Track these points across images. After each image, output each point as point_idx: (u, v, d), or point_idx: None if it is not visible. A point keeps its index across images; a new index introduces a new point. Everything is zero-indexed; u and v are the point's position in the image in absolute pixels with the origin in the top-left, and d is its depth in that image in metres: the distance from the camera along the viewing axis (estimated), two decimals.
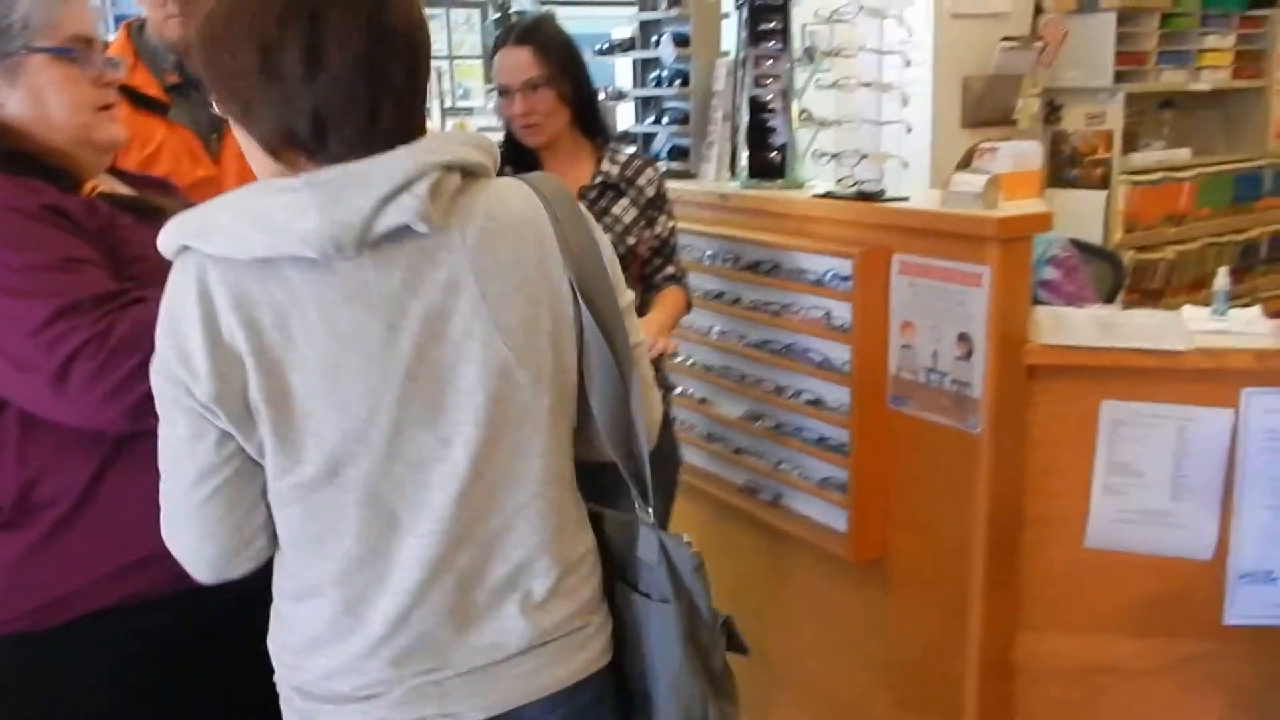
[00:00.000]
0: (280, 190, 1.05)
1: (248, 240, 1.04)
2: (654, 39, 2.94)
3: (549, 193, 1.19)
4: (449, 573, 1.14)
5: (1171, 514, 1.96)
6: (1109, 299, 2.89)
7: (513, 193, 1.16)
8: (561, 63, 2.11)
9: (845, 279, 2.14)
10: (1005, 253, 1.89)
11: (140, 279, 1.32)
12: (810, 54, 2.52)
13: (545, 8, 1.94)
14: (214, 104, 1.13)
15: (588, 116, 2.18)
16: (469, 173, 1.12)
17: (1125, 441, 1.95)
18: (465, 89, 7.77)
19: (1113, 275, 3.03)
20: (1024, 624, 2.07)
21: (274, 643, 1.22)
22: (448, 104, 7.20)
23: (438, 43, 7.95)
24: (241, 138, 1.14)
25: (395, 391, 1.08)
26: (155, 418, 1.28)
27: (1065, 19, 3.89)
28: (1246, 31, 4.23)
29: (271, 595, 1.22)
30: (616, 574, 1.29)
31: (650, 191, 2.18)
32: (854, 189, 2.19)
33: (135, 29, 2.47)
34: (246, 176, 2.58)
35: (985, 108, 3.95)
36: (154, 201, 1.46)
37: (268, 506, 1.14)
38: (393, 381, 1.08)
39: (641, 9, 2.97)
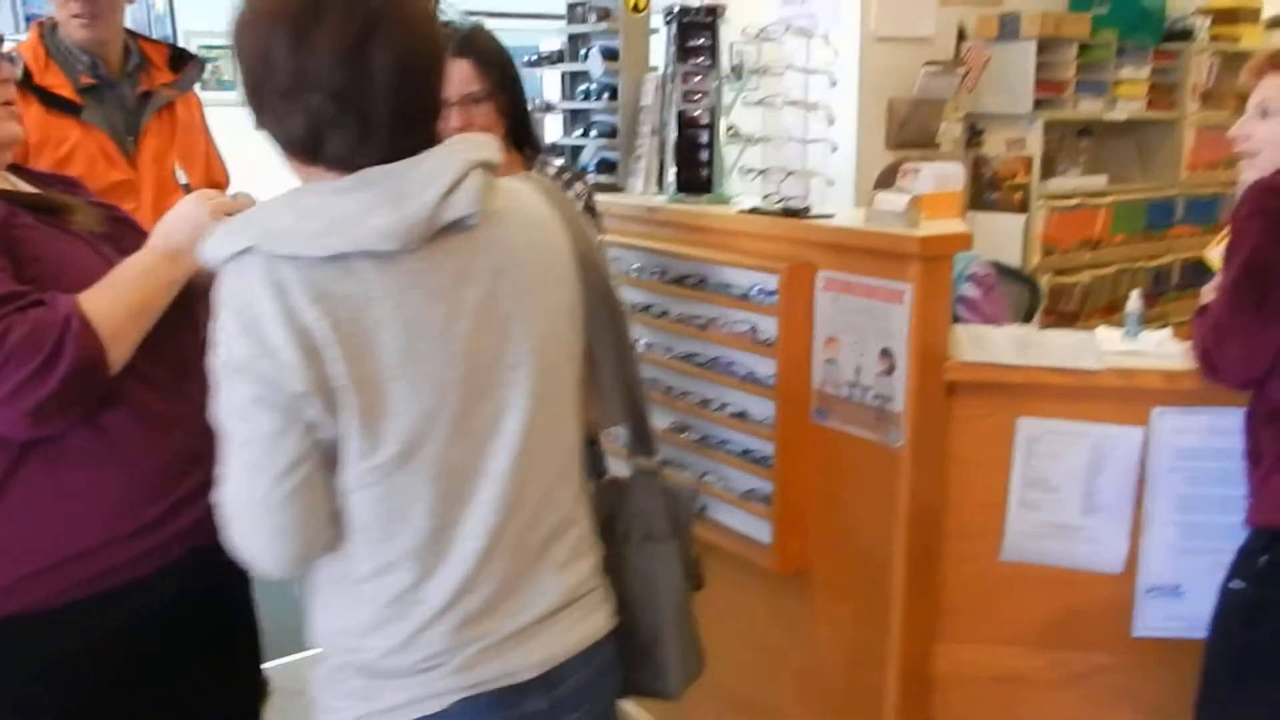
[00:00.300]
0: (339, 191, 1.12)
1: (322, 238, 1.10)
2: (583, 52, 2.95)
3: (546, 187, 1.34)
4: (503, 540, 1.21)
5: (1084, 528, 2.00)
6: (1026, 320, 2.96)
7: (523, 187, 1.30)
8: (501, 76, 2.06)
9: (771, 294, 2.15)
10: (926, 270, 1.93)
11: (39, 280, 1.29)
12: (738, 71, 2.54)
13: (473, 19, 1.93)
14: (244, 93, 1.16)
15: (521, 129, 2.16)
16: (490, 170, 1.22)
17: (1040, 457, 1.99)
18: None
19: (1029, 297, 3.11)
20: (942, 635, 2.10)
21: (327, 626, 1.25)
22: None
23: None
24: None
25: (459, 371, 1.16)
26: (58, 424, 1.24)
27: (987, 46, 3.99)
28: (1161, 64, 4.37)
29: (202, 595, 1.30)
30: (609, 536, 1.41)
31: (579, 204, 2.18)
32: (780, 205, 2.21)
33: (48, 29, 2.41)
34: (163, 180, 2.57)
35: (909, 130, 4.03)
36: (57, 199, 1.42)
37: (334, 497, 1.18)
38: (456, 362, 1.16)
39: (570, 22, 2.98)
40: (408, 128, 1.16)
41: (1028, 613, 2.06)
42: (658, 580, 1.42)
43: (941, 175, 2.11)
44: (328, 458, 1.15)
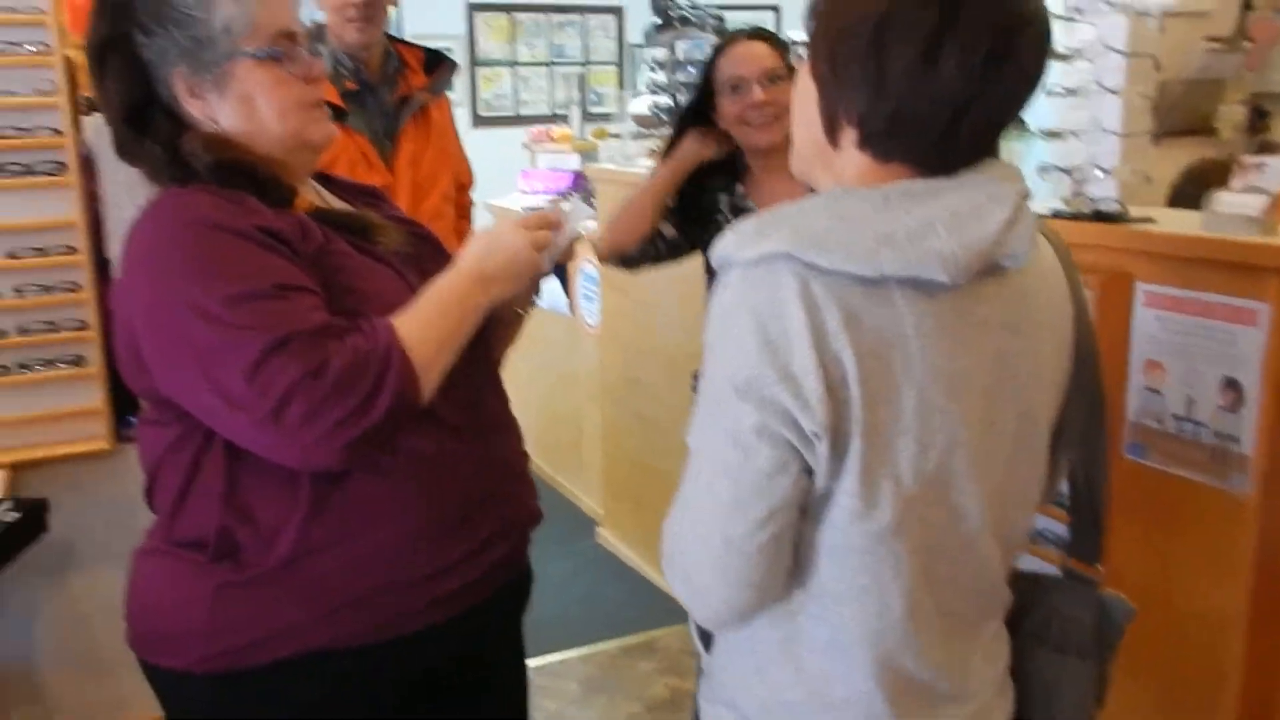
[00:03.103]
0: (884, 202, 0.96)
1: (873, 255, 0.93)
2: None
3: (1052, 237, 1.14)
4: (959, 621, 1.07)
5: None
6: None
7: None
8: (791, 64, 2.11)
9: None
10: None
11: (353, 309, 1.21)
12: None
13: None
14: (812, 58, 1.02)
15: None
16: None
17: None
18: (599, 95, 7.67)
19: None
20: None
21: (766, 696, 1.08)
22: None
23: (573, 49, 7.89)
24: (803, 106, 1.05)
25: (963, 435, 1.00)
26: (374, 455, 1.17)
27: (1278, 18, 3.56)
28: None
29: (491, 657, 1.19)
30: (1015, 631, 1.22)
31: None
32: (1090, 208, 1.96)
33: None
34: (419, 183, 2.54)
35: (1178, 115, 3.65)
36: (368, 219, 1.35)
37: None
38: (969, 423, 1.00)
39: None
40: (994, 133, 1.01)
41: None
42: (1063, 698, 1.20)
43: None
44: (803, 508, 1.00)
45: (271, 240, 1.19)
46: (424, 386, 1.20)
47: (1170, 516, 1.85)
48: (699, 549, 0.99)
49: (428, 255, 1.40)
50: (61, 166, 2.45)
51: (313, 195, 1.37)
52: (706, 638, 1.15)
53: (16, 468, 2.43)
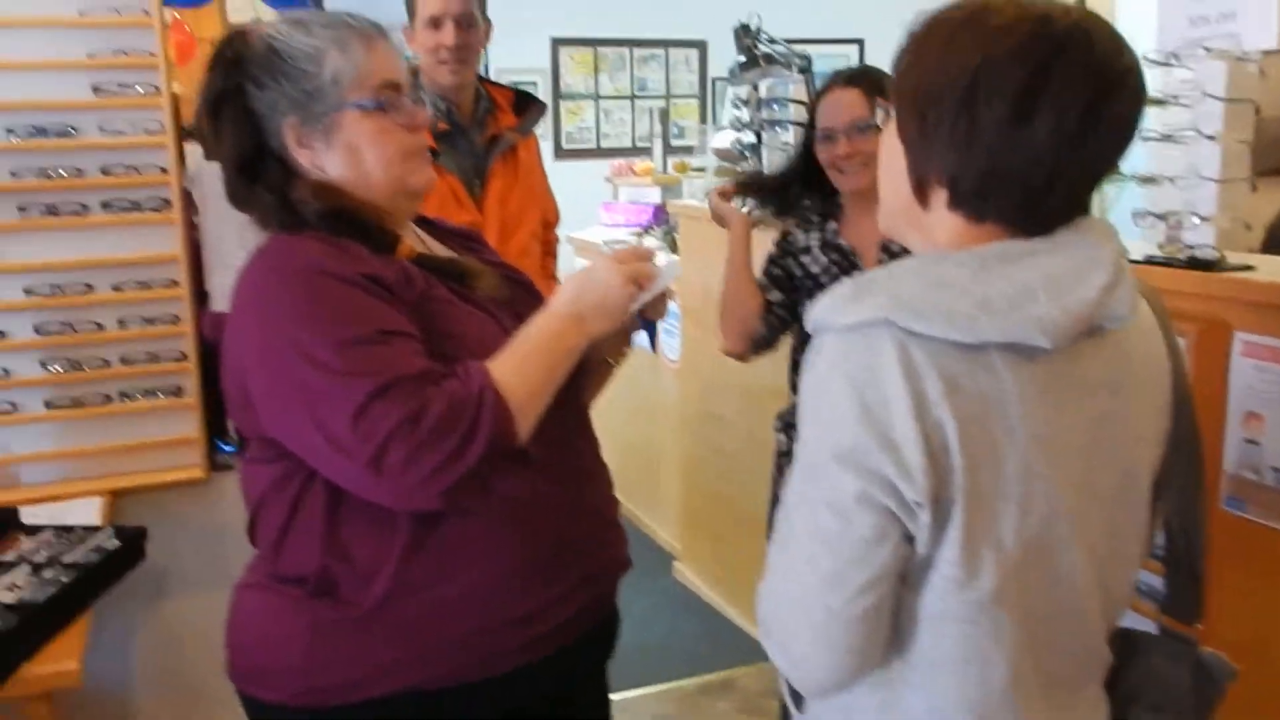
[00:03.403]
0: (982, 266, 0.95)
1: (972, 321, 0.92)
2: None
3: (1147, 292, 1.13)
4: (1059, 686, 1.05)
5: None
6: None
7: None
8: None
9: None
10: None
11: (451, 354, 1.24)
12: None
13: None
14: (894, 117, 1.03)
15: None
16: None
17: None
18: (680, 128, 7.73)
19: None
20: None
21: None
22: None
23: (656, 82, 7.97)
24: (890, 165, 1.05)
25: (1067, 501, 0.99)
26: (468, 496, 1.20)
27: None
28: None
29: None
30: (1110, 691, 1.18)
31: None
32: (1186, 255, 1.92)
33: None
34: (506, 221, 2.59)
35: (1276, 153, 3.54)
36: (468, 265, 1.39)
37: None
38: (1068, 489, 0.99)
39: None
40: (1088, 190, 1.01)
41: None
42: None
43: None
44: (903, 576, 0.99)
45: (376, 287, 1.23)
46: (520, 427, 1.22)
47: (1271, 570, 1.79)
48: (798, 618, 0.99)
49: (522, 299, 1.43)
50: (166, 204, 2.54)
51: (414, 240, 1.41)
52: (798, 697, 1.14)
53: (116, 494, 2.51)
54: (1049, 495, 0.97)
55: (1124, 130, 0.98)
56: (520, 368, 1.24)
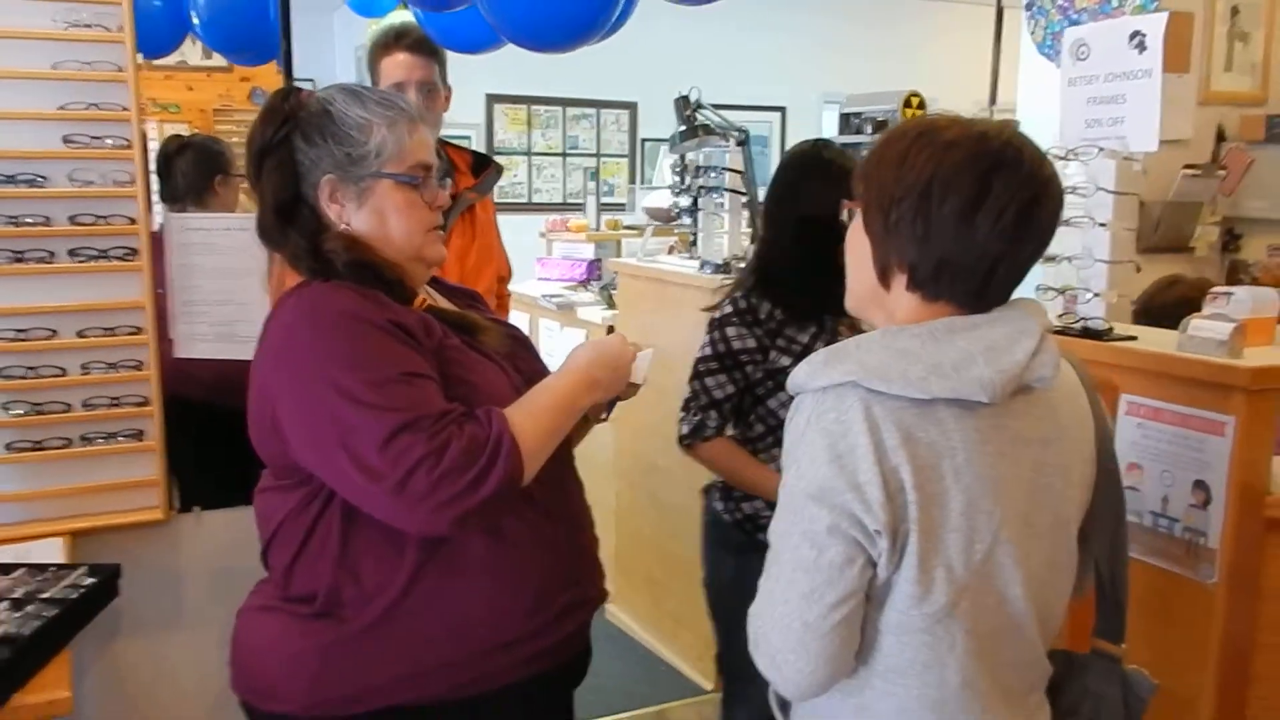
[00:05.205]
0: (931, 337, 1.17)
1: (924, 382, 1.13)
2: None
3: (1074, 361, 1.37)
4: (1008, 691, 1.24)
5: None
6: None
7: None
8: None
9: None
10: (1253, 403, 1.85)
11: (465, 399, 1.39)
12: None
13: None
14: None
15: None
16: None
17: None
18: (610, 185, 7.97)
19: None
20: None
21: None
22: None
23: (587, 141, 8.21)
24: (857, 255, 1.26)
25: (1008, 531, 1.18)
26: (478, 528, 1.35)
27: (1250, 148, 3.84)
28: None
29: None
30: (1052, 707, 1.39)
31: None
32: (1080, 325, 2.18)
33: None
34: (465, 279, 2.72)
35: (1161, 233, 3.89)
36: (475, 320, 1.54)
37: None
38: (1010, 521, 1.19)
39: (842, 133, 3.03)
40: (1021, 275, 1.23)
41: None
42: None
43: (1258, 299, 2.03)
44: (869, 595, 1.19)
45: (402, 333, 1.38)
46: (527, 471, 1.37)
47: (1149, 602, 2.03)
48: (781, 632, 1.17)
49: (521, 354, 1.60)
50: (133, 252, 2.59)
51: (426, 295, 1.57)
52: (785, 706, 1.33)
53: (76, 535, 2.54)
54: (991, 527, 1.18)
55: (1049, 226, 1.22)
56: (536, 418, 1.40)
